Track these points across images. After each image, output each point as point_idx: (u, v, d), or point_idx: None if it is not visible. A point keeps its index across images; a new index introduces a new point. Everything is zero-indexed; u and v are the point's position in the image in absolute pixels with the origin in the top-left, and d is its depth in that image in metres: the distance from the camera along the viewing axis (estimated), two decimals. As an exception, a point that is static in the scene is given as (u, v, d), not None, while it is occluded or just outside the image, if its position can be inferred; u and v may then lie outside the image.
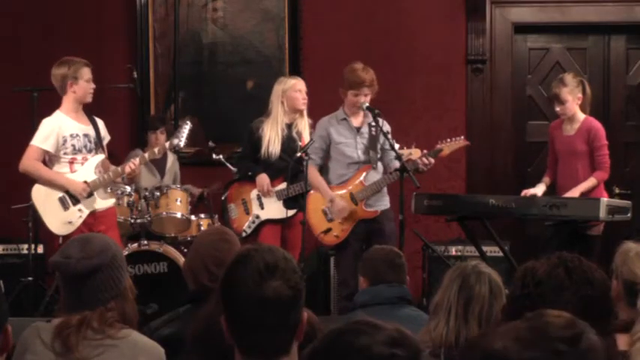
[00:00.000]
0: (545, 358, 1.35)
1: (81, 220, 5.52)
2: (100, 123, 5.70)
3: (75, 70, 5.49)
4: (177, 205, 6.33)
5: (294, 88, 6.02)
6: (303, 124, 6.03)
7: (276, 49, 7.39)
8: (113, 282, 2.54)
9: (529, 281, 2.13)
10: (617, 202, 5.69)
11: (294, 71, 7.21)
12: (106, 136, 5.73)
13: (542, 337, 1.37)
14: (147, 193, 6.30)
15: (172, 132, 6.84)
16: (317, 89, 7.17)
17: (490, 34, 7.38)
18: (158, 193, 6.32)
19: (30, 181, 5.55)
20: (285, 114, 6.00)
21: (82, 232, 5.11)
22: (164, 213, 6.29)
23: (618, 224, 5.65)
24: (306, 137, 6.01)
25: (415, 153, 5.74)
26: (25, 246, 6.56)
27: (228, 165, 6.44)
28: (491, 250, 6.29)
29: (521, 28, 7.49)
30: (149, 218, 6.27)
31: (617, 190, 6.44)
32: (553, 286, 2.09)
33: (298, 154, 5.82)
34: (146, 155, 5.84)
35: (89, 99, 5.57)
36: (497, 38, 7.42)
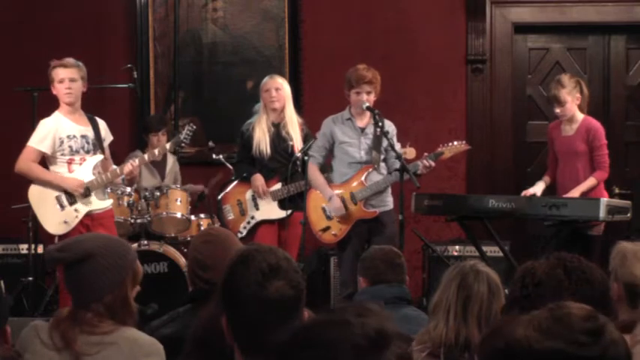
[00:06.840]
0: (567, 348, 1.35)
1: (77, 220, 5.49)
2: (102, 124, 5.66)
3: (50, 73, 5.46)
4: (177, 205, 6.33)
5: (263, 88, 6.07)
6: (292, 124, 6.03)
7: (276, 49, 7.38)
8: (100, 281, 2.53)
9: (528, 282, 2.13)
10: (617, 202, 5.69)
11: (294, 71, 7.22)
12: (107, 137, 5.70)
13: (565, 328, 1.37)
14: (147, 193, 6.30)
15: (173, 132, 6.85)
16: (317, 89, 7.18)
17: (490, 34, 7.38)
18: (158, 193, 6.31)
19: (30, 181, 5.55)
20: (269, 112, 6.02)
21: (81, 233, 5.10)
22: (164, 213, 6.29)
23: (618, 224, 5.65)
24: (297, 137, 6.00)
25: (410, 152, 5.72)
26: (25, 246, 6.56)
27: (228, 165, 6.44)
28: (491, 250, 6.29)
29: (521, 28, 7.49)
30: (149, 218, 6.27)
31: (617, 190, 6.44)
32: (552, 287, 2.09)
33: (298, 154, 5.82)
34: (146, 156, 5.84)
35: (67, 99, 5.47)
36: (497, 38, 7.41)
